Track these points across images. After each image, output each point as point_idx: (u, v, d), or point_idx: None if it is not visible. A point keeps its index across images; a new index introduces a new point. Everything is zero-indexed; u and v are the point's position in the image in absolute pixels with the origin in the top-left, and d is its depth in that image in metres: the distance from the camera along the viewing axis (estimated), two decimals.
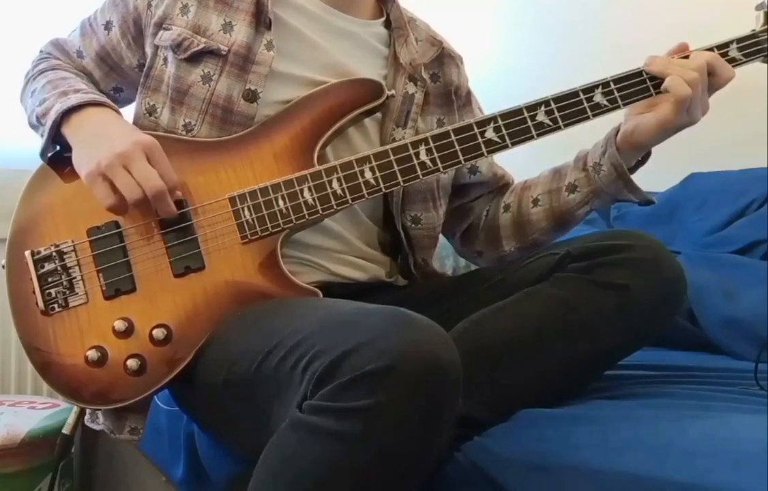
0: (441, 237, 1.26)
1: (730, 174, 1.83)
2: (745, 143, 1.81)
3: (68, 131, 1.00)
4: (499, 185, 1.26)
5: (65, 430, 1.15)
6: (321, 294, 0.99)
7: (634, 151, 1.07)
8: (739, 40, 1.08)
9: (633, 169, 1.10)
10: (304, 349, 0.75)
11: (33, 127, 1.09)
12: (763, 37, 1.09)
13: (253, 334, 0.88)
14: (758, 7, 1.11)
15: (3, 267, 0.98)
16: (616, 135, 1.08)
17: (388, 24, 1.18)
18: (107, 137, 0.95)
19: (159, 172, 0.93)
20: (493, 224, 1.23)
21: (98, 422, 1.04)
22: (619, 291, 0.94)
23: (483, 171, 1.24)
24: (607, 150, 1.08)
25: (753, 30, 1.10)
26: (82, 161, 0.96)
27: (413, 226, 1.16)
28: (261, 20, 1.07)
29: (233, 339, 0.91)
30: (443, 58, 1.21)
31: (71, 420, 1.07)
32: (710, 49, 1.07)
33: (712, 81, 1.03)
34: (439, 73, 1.20)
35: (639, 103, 1.06)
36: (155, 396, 1.03)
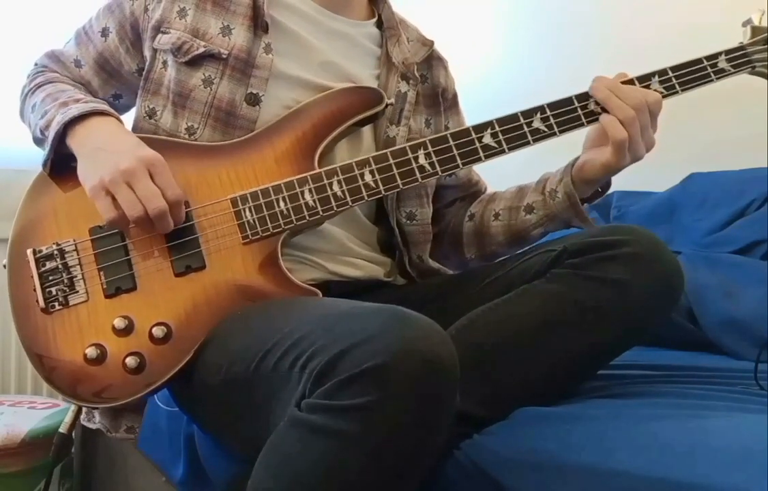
0: None
1: (730, 174, 1.83)
2: (745, 143, 1.81)
3: (72, 142, 1.00)
4: (472, 191, 1.29)
5: (62, 429, 1.15)
6: (320, 294, 0.99)
7: (586, 184, 1.09)
8: (727, 52, 1.12)
9: (591, 198, 1.12)
10: (303, 348, 0.76)
11: (37, 141, 1.09)
12: (750, 50, 1.12)
13: (251, 333, 0.88)
14: (745, 23, 1.15)
15: (4, 266, 0.98)
16: (573, 165, 1.10)
17: (379, 25, 1.20)
18: (112, 151, 0.95)
19: (162, 187, 0.93)
20: (457, 230, 1.25)
21: (94, 421, 1.04)
22: (616, 287, 0.94)
23: (459, 174, 1.26)
24: (563, 179, 1.10)
25: (741, 43, 1.13)
26: (86, 175, 0.96)
27: (408, 222, 1.17)
28: (258, 24, 1.08)
29: (232, 339, 0.91)
30: (432, 59, 1.23)
31: (68, 419, 1.07)
32: (691, 63, 1.09)
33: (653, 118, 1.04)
34: (428, 75, 1.23)
35: (594, 133, 1.08)
36: (155, 396, 1.03)
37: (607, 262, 0.95)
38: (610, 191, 1.91)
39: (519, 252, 1.12)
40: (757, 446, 0.70)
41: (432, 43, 1.23)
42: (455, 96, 1.28)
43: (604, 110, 1.05)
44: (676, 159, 1.77)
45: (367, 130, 1.13)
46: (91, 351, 0.92)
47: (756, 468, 0.66)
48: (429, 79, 1.22)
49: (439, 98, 1.23)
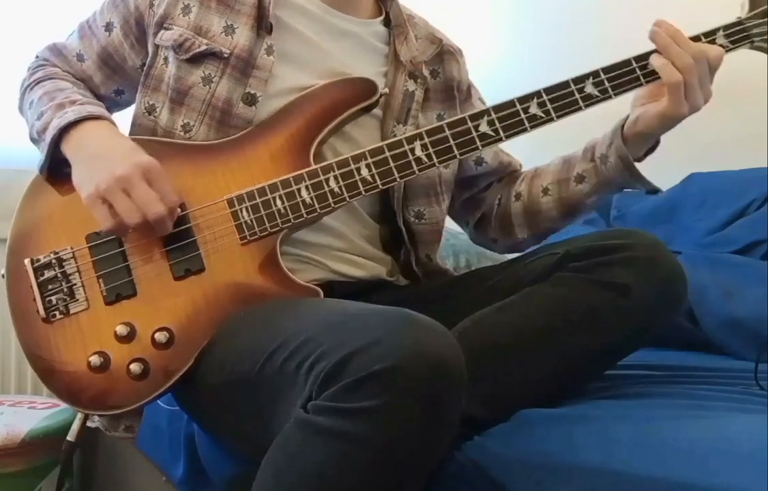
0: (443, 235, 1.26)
1: (730, 174, 1.83)
2: (745, 143, 1.82)
3: (67, 149, 0.99)
4: (508, 172, 1.27)
5: (70, 437, 1.13)
6: (322, 294, 0.99)
7: (640, 141, 1.07)
8: (725, 28, 1.09)
9: (641, 159, 1.10)
10: (309, 350, 0.75)
11: (34, 141, 1.08)
12: (748, 24, 1.10)
13: (256, 334, 0.88)
14: None
15: (3, 276, 0.98)
16: (623, 126, 1.08)
17: (387, 22, 1.19)
18: (106, 158, 0.95)
19: (158, 193, 0.93)
20: (505, 212, 1.24)
21: (93, 419, 1.03)
22: (619, 290, 0.94)
23: (488, 161, 1.25)
24: (614, 141, 1.08)
25: (739, 17, 1.11)
26: (82, 182, 0.96)
27: (416, 221, 1.16)
28: (262, 24, 1.07)
29: (236, 340, 0.91)
30: (443, 54, 1.22)
31: (76, 427, 1.06)
32: (697, 37, 1.07)
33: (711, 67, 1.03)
34: (439, 69, 1.21)
35: (644, 91, 1.06)
36: None
37: (610, 266, 0.95)
38: None
39: (522, 255, 1.12)
40: (758, 446, 0.70)
41: (440, 41, 1.21)
42: (470, 87, 1.26)
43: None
44: (676, 159, 1.77)
45: (374, 130, 1.12)
46: (95, 360, 0.92)
47: (757, 468, 0.66)
48: (441, 74, 1.21)
49: (454, 91, 1.21)
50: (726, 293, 1.45)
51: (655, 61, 1.02)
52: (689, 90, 1.00)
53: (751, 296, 1.42)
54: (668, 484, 0.69)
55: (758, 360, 1.02)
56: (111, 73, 1.14)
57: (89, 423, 1.05)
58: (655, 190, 1.12)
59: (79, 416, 1.06)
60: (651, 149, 1.11)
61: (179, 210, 0.96)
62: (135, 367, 0.91)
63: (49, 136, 1.00)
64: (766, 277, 1.45)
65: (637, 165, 1.08)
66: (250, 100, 1.05)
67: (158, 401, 1.13)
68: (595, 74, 1.06)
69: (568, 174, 1.16)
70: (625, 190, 1.14)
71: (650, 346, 1.34)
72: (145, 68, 1.09)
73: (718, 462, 0.69)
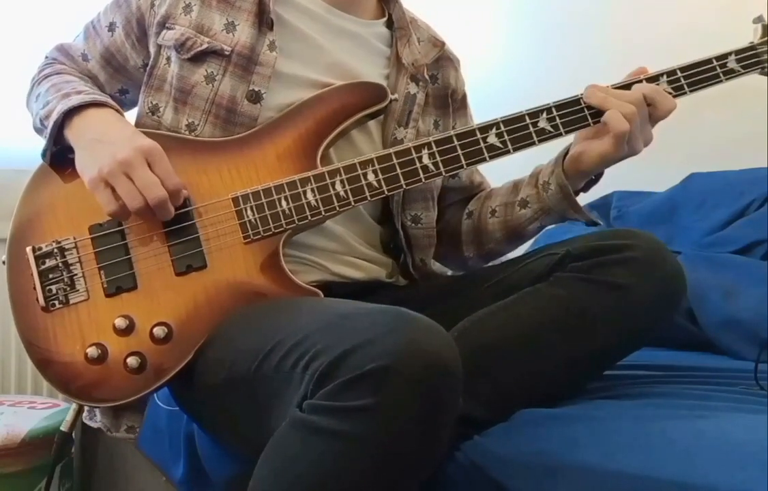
0: None
1: (730, 174, 1.83)
2: (745, 143, 1.82)
3: (70, 133, 1.00)
4: (475, 194, 1.27)
5: (63, 428, 1.14)
6: (322, 295, 0.99)
7: (581, 177, 1.09)
8: (737, 52, 1.10)
9: (584, 189, 1.12)
10: (305, 348, 0.76)
11: (38, 130, 1.09)
12: (761, 50, 1.10)
13: (253, 333, 0.88)
14: (756, 20, 1.12)
15: (3, 263, 0.98)
16: (565, 155, 1.09)
17: (389, 24, 1.19)
18: (108, 142, 0.95)
19: (160, 176, 0.93)
20: (455, 229, 1.24)
21: (95, 419, 1.04)
22: (618, 291, 0.95)
23: (461, 177, 1.25)
24: (555, 170, 1.10)
25: (751, 42, 1.11)
26: (84, 166, 0.96)
27: (413, 225, 1.16)
28: (263, 20, 1.07)
29: (234, 339, 0.91)
30: (443, 60, 1.22)
31: (69, 417, 1.07)
32: (700, 64, 1.08)
33: (652, 112, 1.04)
34: (438, 75, 1.21)
35: (585, 129, 1.07)
36: (155, 396, 1.03)
37: (610, 266, 0.95)
38: (610, 191, 1.93)
39: (521, 255, 1.12)
40: (757, 446, 0.70)
41: (443, 43, 1.22)
42: (464, 97, 1.27)
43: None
44: (676, 159, 1.77)
45: (374, 132, 1.13)
46: (92, 351, 0.92)
47: (756, 468, 0.67)
48: (439, 80, 1.21)
49: (448, 99, 1.22)
50: (726, 293, 1.45)
51: (606, 117, 1.03)
52: (631, 136, 1.02)
53: (751, 296, 1.42)
54: (668, 484, 0.69)
55: (758, 360, 1.02)
56: (114, 73, 1.15)
57: (92, 424, 1.05)
58: (594, 224, 1.13)
59: (74, 407, 1.06)
60: (594, 181, 1.12)
61: (186, 202, 0.97)
62: (132, 361, 0.92)
63: (51, 121, 1.00)
64: (766, 277, 1.45)
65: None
66: (255, 98, 1.05)
67: (158, 401, 1.14)
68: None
69: (514, 197, 1.16)
70: (566, 220, 1.14)
71: (650, 346, 1.34)
72: (147, 68, 1.09)
73: (718, 462, 0.69)
